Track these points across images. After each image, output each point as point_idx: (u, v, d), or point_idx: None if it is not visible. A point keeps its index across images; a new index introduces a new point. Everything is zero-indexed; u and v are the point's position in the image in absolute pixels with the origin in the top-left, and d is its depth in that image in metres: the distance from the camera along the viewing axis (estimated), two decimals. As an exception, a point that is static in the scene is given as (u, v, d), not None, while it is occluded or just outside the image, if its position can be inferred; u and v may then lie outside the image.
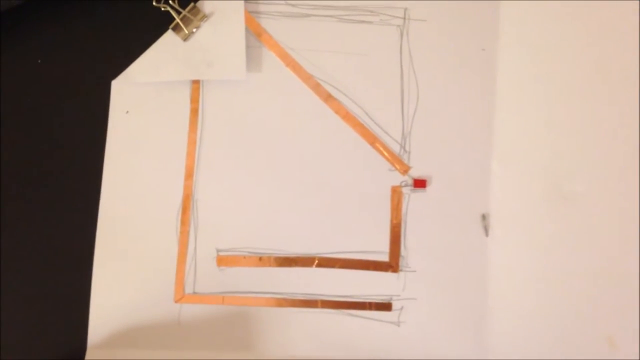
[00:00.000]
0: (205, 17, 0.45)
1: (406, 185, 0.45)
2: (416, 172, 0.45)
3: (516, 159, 0.45)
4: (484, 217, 0.45)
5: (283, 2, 0.46)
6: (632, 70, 0.46)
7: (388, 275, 0.44)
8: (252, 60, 0.45)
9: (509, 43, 0.46)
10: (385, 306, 0.44)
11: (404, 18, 0.46)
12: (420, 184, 0.45)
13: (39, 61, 0.46)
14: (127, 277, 0.44)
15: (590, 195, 0.45)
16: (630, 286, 0.44)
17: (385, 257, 0.44)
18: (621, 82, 0.46)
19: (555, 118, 0.45)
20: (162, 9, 0.45)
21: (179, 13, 0.44)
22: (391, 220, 0.45)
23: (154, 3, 0.44)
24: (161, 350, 0.43)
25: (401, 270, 0.44)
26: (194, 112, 0.45)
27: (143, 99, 0.45)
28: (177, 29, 0.45)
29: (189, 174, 0.45)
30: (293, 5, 0.46)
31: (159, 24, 0.45)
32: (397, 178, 0.45)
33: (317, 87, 0.46)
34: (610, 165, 0.45)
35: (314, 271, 0.44)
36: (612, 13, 0.46)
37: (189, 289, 0.44)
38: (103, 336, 0.43)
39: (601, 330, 0.44)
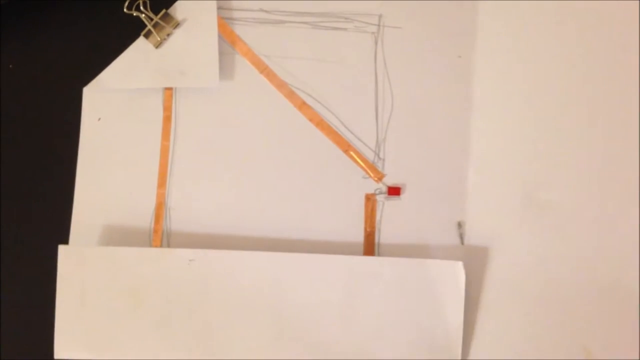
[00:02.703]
0: (177, 23, 0.45)
1: (380, 193, 0.45)
2: (390, 180, 0.45)
3: (492, 167, 0.45)
4: (459, 224, 0.45)
5: (257, 8, 0.46)
6: (608, 78, 0.45)
7: (362, 284, 0.44)
8: (225, 67, 0.45)
9: (485, 50, 0.46)
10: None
11: (379, 25, 0.46)
12: (394, 191, 0.45)
13: (10, 66, 0.46)
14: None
15: (566, 203, 0.44)
16: (607, 295, 0.44)
17: (359, 266, 0.44)
18: (598, 90, 0.45)
19: (532, 126, 0.45)
20: (135, 14, 0.44)
21: (150, 20, 0.44)
22: (365, 229, 0.44)
23: (125, 10, 0.44)
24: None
25: (375, 279, 0.44)
26: (167, 119, 0.45)
27: (115, 106, 0.45)
28: (148, 35, 0.44)
29: (162, 182, 0.45)
30: (267, 12, 0.46)
31: (130, 31, 0.44)
32: (371, 186, 0.45)
33: (291, 95, 0.45)
34: (587, 173, 0.45)
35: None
36: (588, 22, 0.46)
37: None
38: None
39: (577, 339, 0.43)
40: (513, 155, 0.45)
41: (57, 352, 0.43)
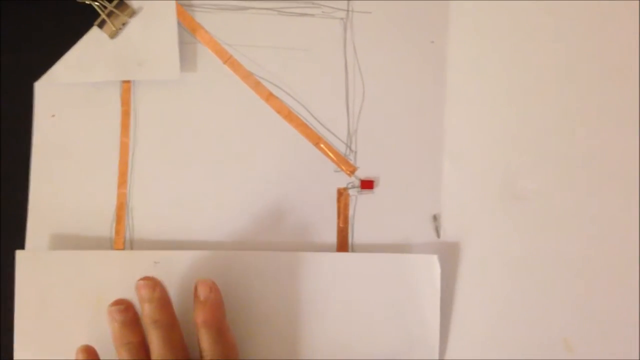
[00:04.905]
0: (133, 12, 0.42)
1: (353, 187, 0.43)
2: (363, 173, 0.43)
3: (467, 157, 0.43)
4: (435, 217, 0.43)
5: (218, -6, 0.43)
6: (581, 63, 0.44)
7: (336, 282, 0.43)
8: (187, 57, 0.43)
9: (459, 35, 0.44)
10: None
11: (348, 10, 0.43)
12: (367, 185, 0.43)
13: (-43, 62, 0.43)
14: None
15: (544, 192, 0.43)
16: (586, 286, 0.43)
17: (332, 263, 0.43)
18: (573, 76, 0.44)
19: (508, 113, 0.44)
20: (87, 2, 0.41)
21: (104, 8, 0.41)
22: (338, 224, 0.43)
23: (76, -2, 0.41)
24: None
25: (350, 276, 0.43)
26: (126, 114, 0.43)
27: (70, 102, 0.42)
28: (102, 25, 0.42)
29: (123, 181, 0.42)
30: (229, -2, 0.43)
31: (83, 21, 0.42)
32: (343, 179, 0.43)
33: (257, 86, 0.43)
34: (564, 162, 0.43)
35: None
36: (566, 6, 0.44)
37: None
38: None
39: (557, 332, 0.42)
40: (489, 144, 0.43)
41: (17, 354, 0.41)
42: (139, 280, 0.39)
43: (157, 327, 0.38)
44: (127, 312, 0.39)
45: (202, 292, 0.39)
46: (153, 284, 0.39)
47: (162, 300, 0.39)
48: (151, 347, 0.38)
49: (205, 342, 0.38)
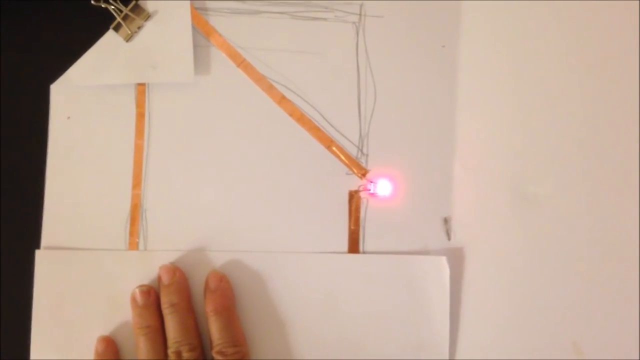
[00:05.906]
0: (148, 15, 0.42)
1: (364, 190, 0.43)
2: (374, 176, 0.43)
3: (478, 161, 0.44)
4: (445, 220, 0.43)
5: (232, -2, 0.44)
6: (593, 69, 0.44)
7: (347, 283, 0.43)
8: (201, 60, 0.43)
9: (470, 39, 0.44)
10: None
11: (360, 14, 0.44)
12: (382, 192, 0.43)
13: (-27, 63, 0.43)
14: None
15: (554, 198, 0.43)
16: (595, 289, 0.43)
17: (343, 265, 0.43)
18: (587, 80, 0.44)
19: (519, 117, 0.44)
20: (103, 6, 0.42)
21: (120, 12, 0.42)
22: (349, 227, 0.43)
23: (92, 1, 0.41)
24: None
25: (360, 278, 0.43)
26: (140, 116, 0.43)
27: (85, 104, 0.43)
28: (118, 28, 0.42)
29: (137, 183, 0.43)
30: (243, 2, 0.43)
31: (99, 24, 0.42)
32: (354, 182, 0.43)
33: (270, 89, 0.43)
34: (575, 167, 0.44)
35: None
36: (575, 10, 0.44)
37: (140, 303, 0.42)
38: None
39: (566, 335, 0.43)
40: (500, 148, 0.44)
41: (34, 355, 0.41)
42: (160, 267, 0.41)
43: (174, 310, 0.40)
44: (148, 294, 0.41)
45: (213, 282, 0.41)
46: (173, 268, 0.41)
47: (181, 285, 0.41)
48: (167, 333, 0.40)
49: (215, 329, 0.40)
